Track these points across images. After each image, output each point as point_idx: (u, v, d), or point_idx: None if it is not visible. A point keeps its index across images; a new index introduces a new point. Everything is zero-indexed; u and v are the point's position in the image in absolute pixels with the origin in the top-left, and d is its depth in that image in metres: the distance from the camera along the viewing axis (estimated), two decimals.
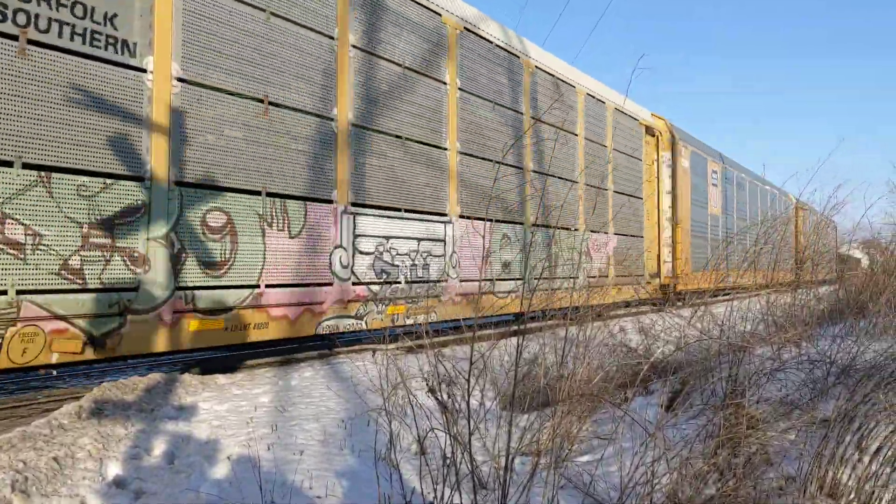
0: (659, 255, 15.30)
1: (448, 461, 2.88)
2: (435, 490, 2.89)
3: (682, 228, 16.12)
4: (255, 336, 6.28)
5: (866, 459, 3.11)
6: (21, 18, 4.70)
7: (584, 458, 3.84)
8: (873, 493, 3.03)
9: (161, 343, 5.49)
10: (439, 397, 3.05)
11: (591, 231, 12.24)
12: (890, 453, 3.10)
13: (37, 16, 4.78)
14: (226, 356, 8.40)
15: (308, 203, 6.83)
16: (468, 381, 2.88)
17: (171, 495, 3.53)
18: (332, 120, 7.12)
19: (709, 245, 18.39)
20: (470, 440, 2.94)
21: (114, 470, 3.89)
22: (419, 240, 8.23)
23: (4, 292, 4.59)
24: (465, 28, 9.30)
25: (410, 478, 3.51)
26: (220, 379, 6.39)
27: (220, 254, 5.98)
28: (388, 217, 7.81)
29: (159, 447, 4.32)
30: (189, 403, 5.43)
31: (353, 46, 7.40)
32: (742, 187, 22.66)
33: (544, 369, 4.62)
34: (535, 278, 9.59)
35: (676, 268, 15.68)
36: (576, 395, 3.99)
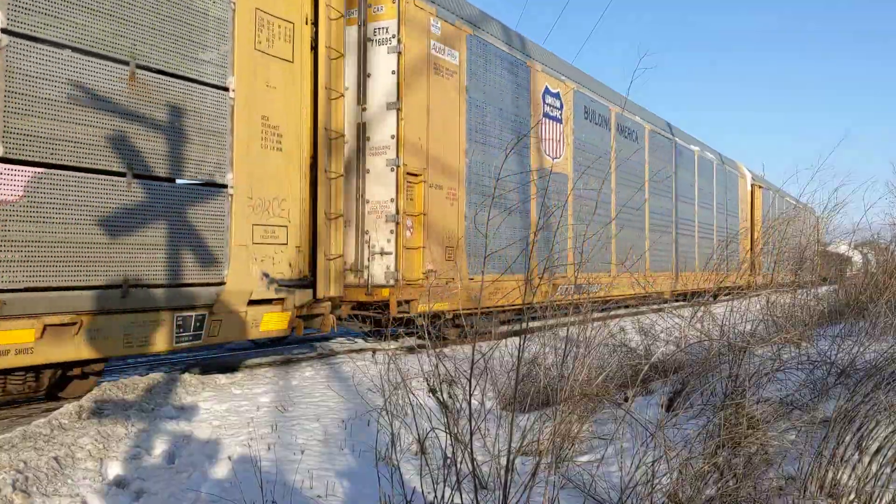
0: (314, 236, 7.01)
1: (449, 461, 2.88)
2: (435, 490, 2.89)
3: (430, 186, 8.17)
4: None
5: (866, 460, 3.11)
6: None
7: (585, 458, 3.84)
8: (873, 493, 3.04)
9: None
10: (440, 397, 3.05)
11: None
12: (890, 453, 3.10)
13: None
14: (227, 355, 8.41)
15: None
16: (469, 381, 2.88)
17: (171, 495, 3.53)
18: None
19: (520, 224, 10.09)
20: (471, 440, 2.94)
21: (114, 470, 3.89)
22: None
23: None
24: None
25: (411, 478, 3.51)
26: (221, 379, 6.39)
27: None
28: None
29: (160, 447, 4.32)
30: (189, 403, 5.43)
31: None
32: (634, 137, 14.36)
33: (545, 369, 4.62)
34: None
35: (413, 266, 7.87)
36: (576, 396, 4.00)
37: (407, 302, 7.82)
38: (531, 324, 5.72)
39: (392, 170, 7.88)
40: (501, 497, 2.75)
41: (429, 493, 3.03)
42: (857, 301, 8.19)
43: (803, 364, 4.77)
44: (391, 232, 7.83)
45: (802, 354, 5.07)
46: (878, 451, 3.12)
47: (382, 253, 7.83)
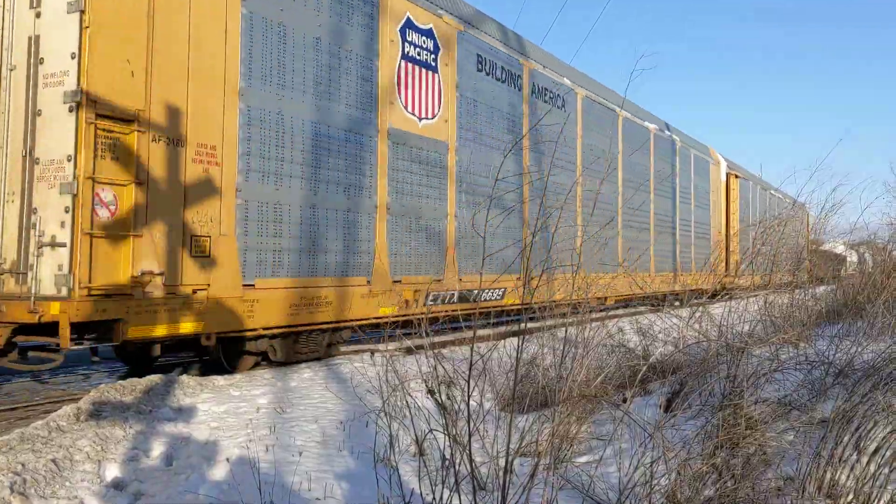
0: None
1: (447, 462, 2.88)
2: (434, 491, 2.89)
3: (156, 140, 5.29)
4: None
5: (864, 460, 3.12)
6: None
7: (583, 459, 3.84)
8: (871, 493, 3.04)
9: None
10: (439, 399, 3.05)
11: None
12: (888, 454, 3.11)
13: None
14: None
15: None
16: (468, 382, 2.88)
17: (169, 497, 3.53)
18: None
19: (357, 209, 7.29)
20: (469, 441, 2.94)
21: (112, 472, 3.89)
22: None
23: None
24: None
25: (409, 479, 3.50)
26: (219, 380, 6.38)
27: None
28: None
29: (158, 449, 4.32)
30: (188, 405, 5.42)
31: None
32: (560, 103, 11.18)
33: (543, 370, 4.63)
34: None
35: (114, 265, 5.02)
36: (575, 396, 4.00)
37: (106, 323, 5.03)
38: (529, 324, 5.72)
39: (71, 109, 4.89)
40: (500, 498, 2.74)
41: (427, 494, 3.03)
42: (854, 301, 8.21)
43: (801, 364, 4.78)
44: (66, 210, 4.86)
45: (800, 355, 5.08)
46: (876, 451, 3.12)
47: (54, 244, 4.93)
